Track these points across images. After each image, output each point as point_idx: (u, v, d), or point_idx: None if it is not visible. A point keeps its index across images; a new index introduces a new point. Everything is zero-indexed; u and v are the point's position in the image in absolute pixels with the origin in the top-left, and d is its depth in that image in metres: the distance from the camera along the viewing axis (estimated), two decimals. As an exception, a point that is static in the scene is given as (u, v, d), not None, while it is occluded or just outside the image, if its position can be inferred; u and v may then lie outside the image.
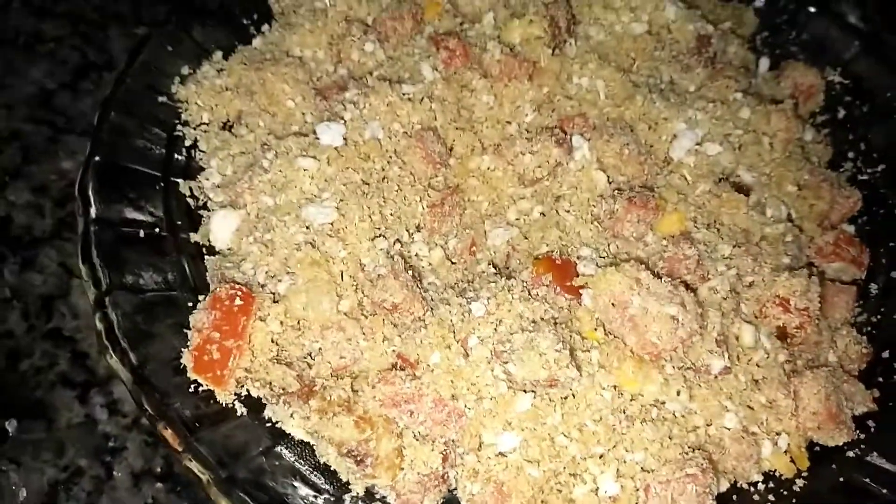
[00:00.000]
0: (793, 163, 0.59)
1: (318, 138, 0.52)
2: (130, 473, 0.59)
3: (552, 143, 0.54)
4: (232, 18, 0.65)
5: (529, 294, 0.48)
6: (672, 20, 0.63)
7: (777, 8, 0.74)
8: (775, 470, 0.49)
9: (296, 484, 0.45)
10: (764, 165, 0.58)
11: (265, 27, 0.66)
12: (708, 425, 0.48)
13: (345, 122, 0.53)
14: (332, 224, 0.49)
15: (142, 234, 0.51)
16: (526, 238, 0.54)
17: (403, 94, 0.55)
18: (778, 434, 0.49)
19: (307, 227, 0.49)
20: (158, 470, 0.59)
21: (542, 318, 0.46)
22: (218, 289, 0.47)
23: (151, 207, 0.53)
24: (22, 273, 0.67)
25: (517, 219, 0.55)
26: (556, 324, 0.46)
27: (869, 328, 0.58)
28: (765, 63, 0.71)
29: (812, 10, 0.72)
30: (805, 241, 0.58)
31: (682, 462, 0.45)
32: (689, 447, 0.46)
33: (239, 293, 0.46)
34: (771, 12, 0.74)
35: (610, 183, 0.54)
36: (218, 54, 0.62)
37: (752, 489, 0.49)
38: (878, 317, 0.58)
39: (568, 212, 0.53)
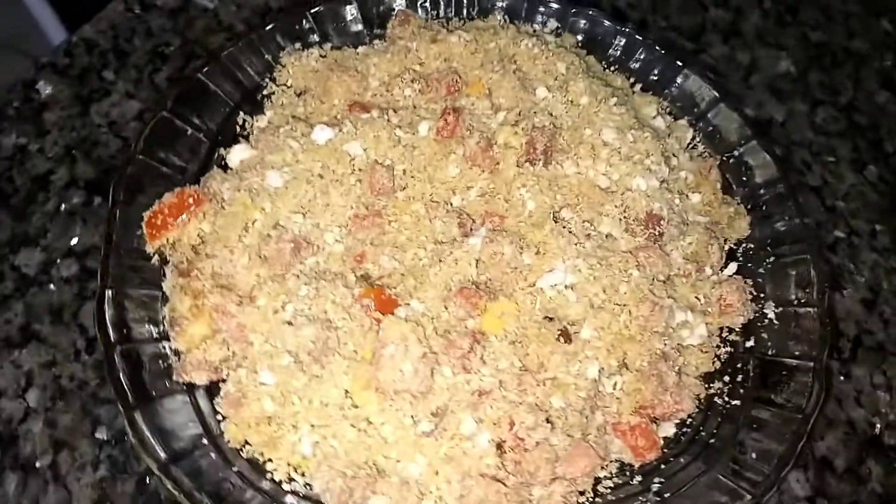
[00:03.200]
0: (638, 346, 0.67)
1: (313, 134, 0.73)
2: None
3: (456, 224, 0.69)
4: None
5: (344, 302, 0.65)
6: (633, 188, 0.72)
7: (767, 226, 0.78)
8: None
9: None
10: (610, 336, 0.67)
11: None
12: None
13: (340, 130, 0.73)
14: (275, 188, 0.70)
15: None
16: (402, 276, 0.70)
17: (395, 136, 0.74)
18: None
19: (262, 181, 0.71)
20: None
21: (333, 322, 0.63)
22: (190, 187, 0.71)
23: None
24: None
25: (411, 259, 0.71)
26: (336, 329, 0.63)
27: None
28: (732, 268, 0.77)
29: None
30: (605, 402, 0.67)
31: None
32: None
33: (195, 195, 0.70)
34: (765, 229, 0.78)
35: (477, 269, 0.68)
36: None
37: None
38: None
39: (436, 275, 0.68)
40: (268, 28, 0.82)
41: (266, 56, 0.83)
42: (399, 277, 0.69)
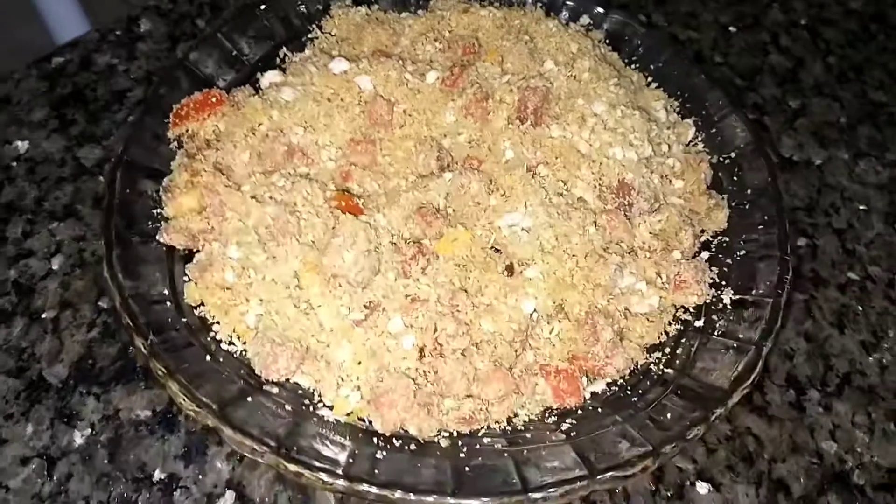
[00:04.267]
0: (578, 295, 0.69)
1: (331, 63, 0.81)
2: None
3: (434, 158, 0.75)
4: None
5: (314, 200, 0.71)
6: (610, 157, 0.75)
7: (746, 224, 0.78)
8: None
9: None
10: (553, 279, 0.70)
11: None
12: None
13: (356, 65, 0.81)
14: (286, 101, 0.79)
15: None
16: (382, 193, 0.76)
17: (404, 78, 0.81)
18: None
19: (276, 94, 0.79)
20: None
21: (300, 213, 0.70)
22: (216, 89, 0.81)
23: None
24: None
25: (394, 185, 0.77)
26: (299, 216, 0.69)
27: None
28: (703, 256, 0.78)
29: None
30: (539, 345, 0.69)
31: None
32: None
33: (218, 96, 0.79)
34: (744, 226, 0.78)
35: (446, 200, 0.73)
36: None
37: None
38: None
39: (406, 199, 0.73)
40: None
41: (318, 6, 0.93)
42: (376, 198, 0.75)
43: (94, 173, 0.96)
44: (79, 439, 0.75)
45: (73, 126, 1.00)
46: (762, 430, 0.82)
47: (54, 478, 0.72)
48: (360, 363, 0.66)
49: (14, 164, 0.96)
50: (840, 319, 0.92)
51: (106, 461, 0.73)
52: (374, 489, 0.58)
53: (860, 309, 0.93)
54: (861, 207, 1.02)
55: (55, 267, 0.88)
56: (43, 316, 0.84)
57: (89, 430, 0.76)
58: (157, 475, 0.72)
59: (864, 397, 0.86)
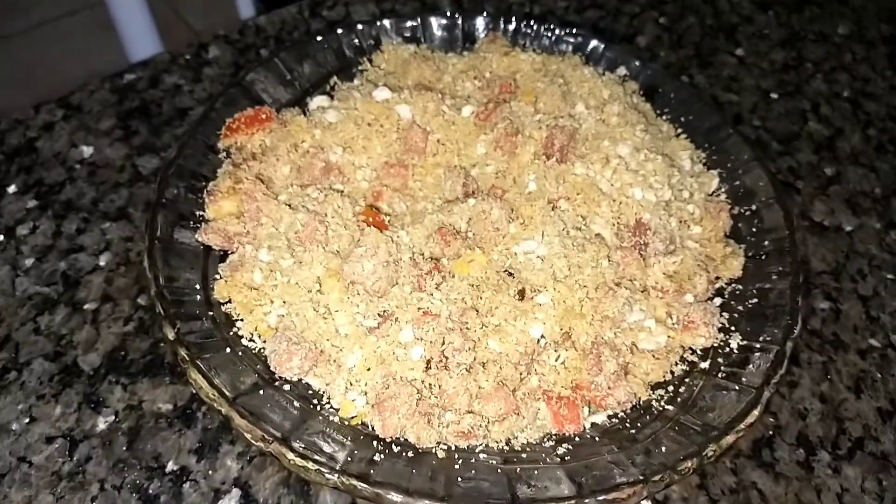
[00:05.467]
0: (586, 325, 0.71)
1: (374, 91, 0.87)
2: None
3: (461, 185, 0.79)
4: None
5: (344, 213, 0.75)
6: (630, 196, 0.78)
7: (761, 273, 0.79)
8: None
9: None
10: (563, 307, 0.72)
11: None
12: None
13: (398, 95, 0.86)
14: (329, 122, 0.84)
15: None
16: (408, 213, 0.80)
17: (441, 110, 0.85)
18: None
19: (321, 115, 0.85)
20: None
21: (329, 224, 0.74)
22: (266, 106, 0.87)
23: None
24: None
25: (421, 207, 0.81)
26: (328, 226, 0.74)
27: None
28: (716, 302, 0.79)
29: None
30: (544, 371, 0.71)
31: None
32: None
33: (268, 113, 0.85)
34: (759, 275, 0.79)
35: (467, 225, 0.76)
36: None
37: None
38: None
39: (430, 220, 0.77)
40: (379, 23, 1.00)
41: (370, 41, 0.99)
42: (402, 217, 0.79)
43: (150, 181, 1.03)
44: (102, 425, 0.79)
45: (135, 136, 1.08)
46: (768, 486, 0.81)
47: (74, 458, 0.76)
48: (368, 369, 0.69)
49: (77, 166, 1.04)
50: (858, 384, 0.91)
51: (124, 448, 0.77)
52: (367, 487, 0.60)
53: (879, 376, 0.92)
54: (889, 276, 1.02)
55: (102, 263, 0.94)
56: (85, 307, 0.89)
57: (113, 417, 0.80)
58: (170, 466, 0.76)
59: (876, 464, 0.85)
